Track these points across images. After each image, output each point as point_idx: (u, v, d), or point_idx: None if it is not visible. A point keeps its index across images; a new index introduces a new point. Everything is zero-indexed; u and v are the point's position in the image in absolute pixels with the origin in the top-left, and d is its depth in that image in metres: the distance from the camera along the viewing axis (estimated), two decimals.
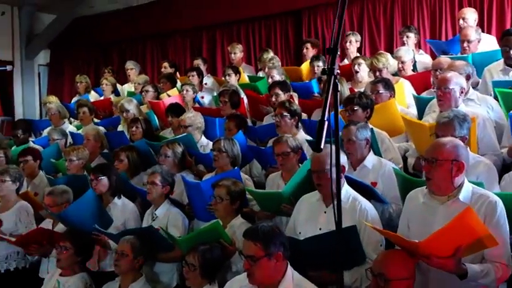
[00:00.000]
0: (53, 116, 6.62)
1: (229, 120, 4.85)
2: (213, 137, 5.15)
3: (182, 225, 3.92)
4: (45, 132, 6.52)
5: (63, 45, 10.54)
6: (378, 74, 5.22)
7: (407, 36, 6.09)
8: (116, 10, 9.93)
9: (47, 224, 4.42)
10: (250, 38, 8.74)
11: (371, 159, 3.64)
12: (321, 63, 6.15)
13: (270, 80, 5.83)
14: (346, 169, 3.27)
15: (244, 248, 2.76)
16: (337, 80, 1.93)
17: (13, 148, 6.18)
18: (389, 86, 4.64)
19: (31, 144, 6.25)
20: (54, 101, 7.22)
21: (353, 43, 6.50)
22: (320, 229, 3.07)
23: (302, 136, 4.40)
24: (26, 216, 4.60)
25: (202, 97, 6.80)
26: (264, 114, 5.47)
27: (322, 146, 1.83)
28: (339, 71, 1.98)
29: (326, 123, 1.82)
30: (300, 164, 3.83)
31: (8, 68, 3.68)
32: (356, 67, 5.63)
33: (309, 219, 3.19)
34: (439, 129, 3.31)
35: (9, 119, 9.64)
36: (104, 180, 4.19)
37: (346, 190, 3.17)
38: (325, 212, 3.14)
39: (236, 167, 4.13)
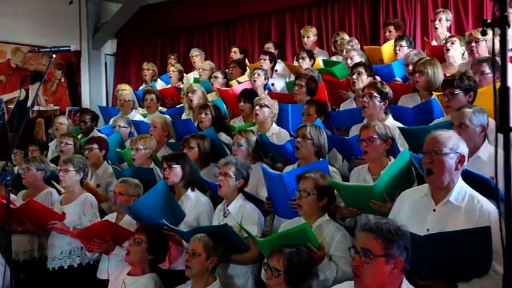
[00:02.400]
0: (126, 102, 6.37)
1: (309, 105, 4.36)
2: (284, 125, 4.70)
3: (258, 222, 3.47)
4: (111, 121, 6.27)
5: (130, 34, 10.41)
6: (474, 49, 4.57)
7: None
8: None
9: (111, 218, 4.09)
10: (322, 21, 8.16)
11: (486, 149, 3.04)
12: (404, 43, 5.54)
13: (349, 62, 5.27)
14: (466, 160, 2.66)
15: (360, 241, 2.29)
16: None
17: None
18: (496, 66, 3.97)
19: (96, 133, 6.02)
20: (128, 89, 6.99)
21: (443, 22, 5.81)
22: (428, 230, 2.54)
23: (391, 123, 3.85)
24: (90, 208, 4.30)
25: (273, 84, 6.32)
26: (343, 100, 4.94)
27: None
28: None
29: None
30: (392, 158, 3.31)
31: (72, 48, 3.37)
32: (448, 45, 4.99)
33: (414, 218, 2.63)
34: None
35: (77, 109, 9.59)
36: (178, 169, 3.82)
37: (461, 186, 2.61)
38: (434, 211, 2.59)
39: (324, 158, 3.62)
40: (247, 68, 6.94)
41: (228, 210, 3.56)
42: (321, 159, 3.69)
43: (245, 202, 3.57)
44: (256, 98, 4.80)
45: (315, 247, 2.88)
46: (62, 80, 9.86)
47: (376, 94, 3.89)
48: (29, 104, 9.07)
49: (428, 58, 4.46)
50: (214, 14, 9.21)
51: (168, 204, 3.67)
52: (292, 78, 6.62)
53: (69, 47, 3.36)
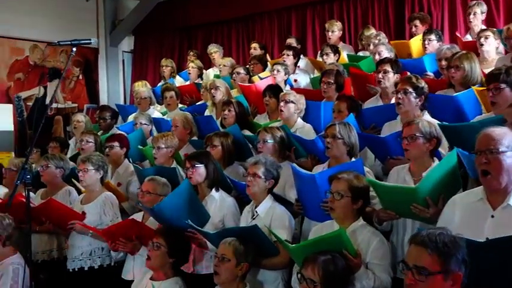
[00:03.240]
0: (143, 100, 6.24)
1: (341, 101, 4.16)
2: (315, 124, 4.51)
3: (288, 225, 3.29)
4: (130, 118, 6.14)
5: (147, 30, 10.29)
6: None
7: None
8: None
9: (137, 217, 3.94)
10: (344, 17, 7.93)
11: None
12: (433, 37, 5.31)
13: (377, 57, 5.07)
14: None
15: (411, 257, 2.07)
16: None
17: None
18: None
19: (115, 130, 5.89)
20: (144, 86, 6.88)
21: (478, 15, 5.56)
22: (487, 239, 2.30)
23: (428, 120, 3.62)
24: (111, 208, 4.16)
25: (296, 80, 6.14)
26: (371, 95, 4.73)
27: None
28: None
29: None
30: (436, 159, 3.11)
31: (93, 41, 3.24)
32: (482, 40, 4.76)
33: (469, 226, 2.38)
34: None
35: (95, 106, 9.50)
36: (201, 168, 3.66)
37: None
38: (492, 217, 2.37)
39: (358, 158, 3.42)
40: (269, 63, 6.77)
41: (256, 211, 3.38)
42: (353, 158, 3.50)
43: (275, 204, 3.40)
44: (281, 94, 4.63)
45: (351, 254, 2.69)
46: (80, 77, 9.79)
47: (411, 89, 3.67)
48: (47, 101, 9.01)
49: (464, 52, 4.23)
50: (233, 10, 9.05)
51: (193, 205, 3.52)
52: (316, 74, 6.47)
53: (90, 40, 3.23)
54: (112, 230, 3.74)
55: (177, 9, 9.77)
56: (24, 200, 3.39)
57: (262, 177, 3.34)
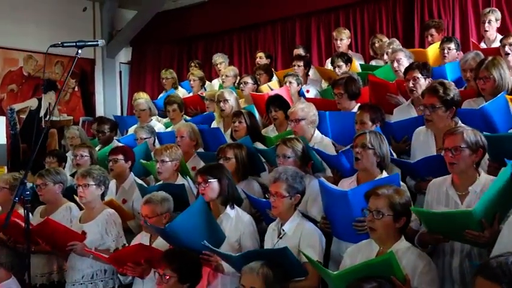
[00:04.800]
0: (142, 112, 5.92)
1: (363, 111, 3.84)
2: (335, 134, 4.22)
3: (319, 246, 2.96)
4: (131, 130, 5.80)
5: (145, 41, 10.02)
6: None
7: None
8: (200, 2, 9.24)
9: (143, 238, 3.61)
10: (351, 25, 7.67)
11: None
12: (452, 46, 5.07)
13: (395, 65, 4.78)
14: None
15: None
16: None
17: (97, 148, 5.51)
18: None
19: (116, 143, 5.55)
20: (144, 97, 6.54)
21: (493, 23, 5.32)
22: None
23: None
24: (114, 227, 3.82)
25: (308, 91, 5.85)
26: (392, 106, 4.43)
27: None
28: None
29: None
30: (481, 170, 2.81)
31: (100, 42, 2.94)
32: (507, 48, 4.49)
33: None
34: None
35: (90, 119, 9.15)
36: (215, 183, 3.34)
37: None
38: None
39: (396, 173, 3.10)
40: (275, 74, 6.48)
41: (283, 230, 3.05)
42: (383, 171, 3.19)
43: (303, 221, 3.07)
44: (289, 112, 4.28)
45: (400, 280, 2.36)
46: (76, 89, 9.49)
47: (438, 104, 3.36)
48: (42, 113, 8.66)
49: (490, 59, 3.93)
50: (235, 19, 8.80)
51: (208, 225, 3.18)
52: (323, 83, 6.19)
53: (97, 41, 2.92)
54: (119, 255, 3.41)
55: (177, 20, 9.50)
56: (19, 219, 3.04)
57: (286, 194, 3.02)
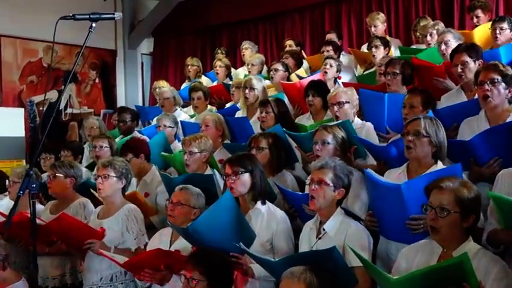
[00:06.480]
0: (166, 101, 5.61)
1: (414, 95, 3.43)
2: (375, 121, 3.81)
3: (368, 248, 2.58)
4: (154, 120, 5.48)
5: (167, 32, 9.73)
6: None
7: None
8: None
9: (162, 238, 3.26)
10: (384, 10, 7.21)
11: None
12: (506, 25, 4.61)
13: (443, 48, 4.34)
14: None
15: None
16: None
17: (117, 139, 5.20)
18: None
19: (136, 133, 5.24)
20: (166, 85, 6.23)
21: None
22: None
23: None
24: (135, 223, 3.48)
25: (340, 77, 5.45)
26: (441, 91, 4.00)
27: None
28: None
29: None
30: None
31: (117, 16, 2.63)
32: None
33: None
34: None
35: (111, 111, 8.89)
36: (246, 176, 2.98)
37: None
38: None
39: (457, 163, 2.67)
40: (305, 61, 6.09)
41: (324, 229, 2.67)
42: (439, 162, 2.79)
43: (346, 219, 2.69)
44: (330, 95, 3.93)
45: (473, 286, 1.96)
46: (97, 80, 9.25)
47: (499, 78, 3.05)
48: (62, 106, 8.42)
49: None
50: (260, 7, 8.43)
51: (237, 224, 2.80)
52: (359, 69, 5.79)
53: (114, 14, 2.59)
54: (134, 262, 3.06)
55: (199, 9, 9.18)
56: (28, 215, 2.72)
57: (331, 184, 2.64)
